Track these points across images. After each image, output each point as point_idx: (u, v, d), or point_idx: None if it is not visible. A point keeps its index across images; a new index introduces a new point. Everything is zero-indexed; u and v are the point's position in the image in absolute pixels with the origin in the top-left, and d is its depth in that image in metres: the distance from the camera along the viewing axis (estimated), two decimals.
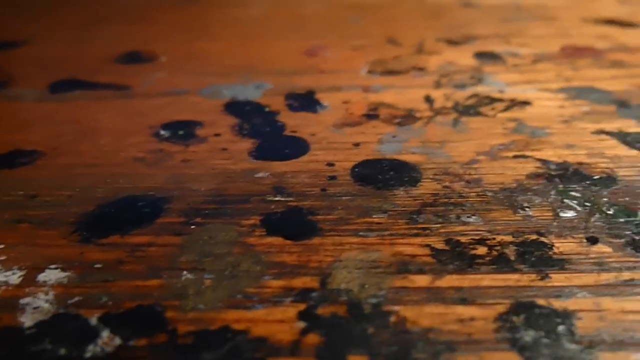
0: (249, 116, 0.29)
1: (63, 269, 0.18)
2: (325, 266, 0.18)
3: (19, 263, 0.19)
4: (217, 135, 0.27)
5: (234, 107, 0.30)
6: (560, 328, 0.16)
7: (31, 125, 0.29)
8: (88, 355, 0.15)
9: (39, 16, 0.49)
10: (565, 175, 0.23)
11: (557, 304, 0.17)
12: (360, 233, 0.20)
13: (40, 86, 0.34)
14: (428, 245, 0.19)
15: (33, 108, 0.31)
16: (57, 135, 0.28)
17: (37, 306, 0.17)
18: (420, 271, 0.18)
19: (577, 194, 0.22)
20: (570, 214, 0.21)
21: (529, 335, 0.16)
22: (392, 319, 0.16)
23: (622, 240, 0.20)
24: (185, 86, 0.33)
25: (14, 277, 0.18)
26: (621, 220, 0.21)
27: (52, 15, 0.49)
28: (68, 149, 0.26)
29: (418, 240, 0.20)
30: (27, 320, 0.16)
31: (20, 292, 0.18)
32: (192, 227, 0.21)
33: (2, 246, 0.20)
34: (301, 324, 0.16)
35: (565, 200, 0.22)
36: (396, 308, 0.17)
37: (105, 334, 0.16)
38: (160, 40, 0.42)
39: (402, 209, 0.21)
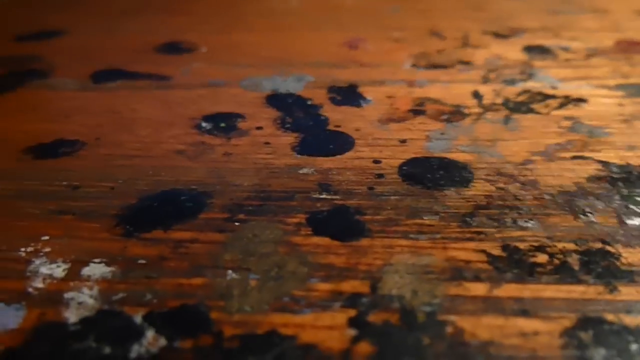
0: (291, 109, 0.28)
1: (107, 264, 0.18)
2: (375, 270, 0.18)
3: (63, 256, 0.19)
4: (258, 128, 0.27)
5: (275, 100, 0.30)
6: (634, 347, 0.15)
7: (73, 115, 0.29)
8: (133, 355, 0.15)
9: (78, 5, 0.49)
10: (629, 179, 0.22)
11: (629, 320, 0.16)
12: (411, 235, 0.19)
13: (81, 76, 0.34)
14: (483, 251, 0.18)
15: (74, 97, 0.31)
16: (98, 125, 0.27)
17: (82, 301, 0.16)
18: (476, 278, 0.17)
19: None
20: (637, 221, 0.20)
21: (599, 354, 0.14)
22: (449, 329, 0.15)
23: None
24: (225, 77, 0.33)
25: (59, 270, 0.18)
26: None
27: (88, 5, 0.49)
28: (109, 139, 0.26)
29: (472, 244, 0.19)
30: (71, 315, 0.16)
31: (65, 286, 0.17)
32: (236, 223, 0.20)
33: (46, 237, 0.19)
34: (352, 332, 0.15)
35: (631, 206, 0.20)
36: (452, 318, 0.16)
37: (150, 333, 0.15)
38: (197, 30, 0.42)
39: (454, 210, 0.20)
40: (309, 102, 0.29)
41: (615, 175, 0.22)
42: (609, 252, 0.18)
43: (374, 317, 0.16)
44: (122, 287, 0.17)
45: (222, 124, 0.27)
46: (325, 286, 0.17)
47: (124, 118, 0.28)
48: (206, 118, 0.28)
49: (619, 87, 0.30)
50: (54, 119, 0.28)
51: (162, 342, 0.15)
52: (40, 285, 0.17)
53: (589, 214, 0.20)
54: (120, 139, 0.26)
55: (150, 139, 0.26)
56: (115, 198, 0.22)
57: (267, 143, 0.25)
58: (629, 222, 0.19)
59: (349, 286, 0.17)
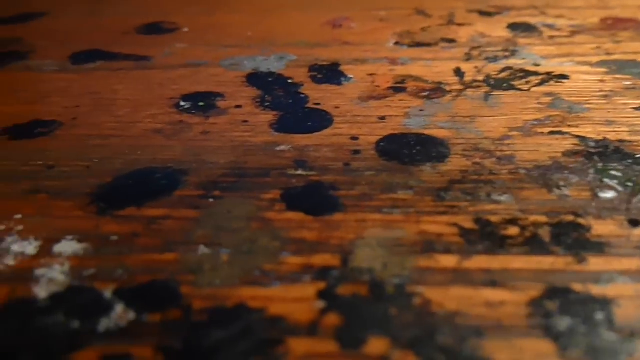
0: (271, 88, 0.28)
1: (79, 241, 0.18)
2: (347, 243, 0.18)
3: (35, 234, 0.18)
4: (238, 107, 0.27)
5: (255, 79, 0.29)
6: (599, 316, 0.15)
7: (51, 96, 0.28)
8: (101, 329, 0.15)
9: None
10: (605, 154, 0.22)
11: (596, 289, 0.16)
12: (384, 210, 0.19)
13: (61, 57, 0.33)
14: (456, 224, 0.18)
15: (53, 79, 0.31)
16: (76, 106, 0.27)
17: (52, 277, 0.16)
18: (447, 251, 0.17)
19: (618, 174, 0.21)
20: (610, 194, 0.20)
21: (564, 323, 0.15)
22: (416, 300, 0.15)
23: None
24: (206, 57, 0.33)
25: (30, 247, 0.18)
26: None
27: None
28: (86, 119, 0.26)
29: (445, 218, 0.19)
30: (41, 291, 0.16)
31: (36, 263, 0.17)
32: (210, 200, 0.20)
33: (19, 216, 0.19)
34: (320, 304, 0.15)
35: (605, 180, 0.20)
36: (420, 289, 0.16)
37: (119, 307, 0.15)
38: (180, 12, 0.41)
39: (429, 185, 0.20)
40: (290, 81, 0.29)
41: (591, 150, 0.22)
42: (580, 224, 0.18)
43: (343, 290, 0.16)
44: (93, 263, 0.17)
45: (201, 103, 0.27)
46: (296, 260, 0.17)
47: (102, 99, 0.28)
48: (185, 97, 0.27)
49: (601, 63, 0.30)
50: (32, 101, 0.28)
51: (131, 315, 0.15)
52: (11, 262, 0.17)
53: (562, 188, 0.20)
54: (98, 120, 0.26)
55: (127, 118, 0.26)
56: (90, 177, 0.22)
57: (245, 121, 0.25)
58: (602, 195, 0.20)
59: (320, 259, 0.17)
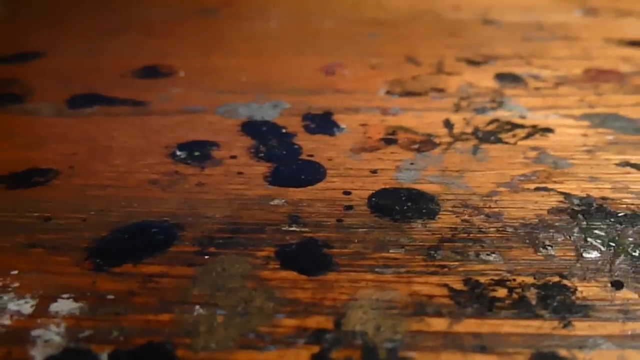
0: (266, 138, 0.29)
1: (75, 299, 0.18)
2: (340, 305, 0.18)
3: (31, 291, 0.19)
4: (232, 157, 0.27)
5: (250, 128, 0.30)
6: None
7: (47, 142, 0.29)
8: None
9: (55, 27, 0.49)
10: (589, 211, 0.23)
11: (581, 356, 0.16)
12: (377, 269, 0.20)
13: (57, 100, 0.34)
14: (446, 285, 0.19)
15: (50, 124, 0.31)
16: (73, 154, 0.28)
17: (48, 339, 0.17)
18: (438, 314, 0.18)
19: (601, 233, 0.21)
20: (594, 254, 0.20)
21: None
22: None
23: None
24: (202, 103, 0.33)
25: (27, 306, 0.18)
26: None
27: (68, 26, 0.49)
28: (83, 168, 0.26)
29: (435, 279, 0.19)
30: (37, 354, 0.16)
31: (32, 323, 0.17)
32: (206, 257, 0.20)
33: (15, 272, 0.20)
34: None
35: (589, 239, 0.21)
36: (412, 354, 0.16)
37: None
38: (176, 54, 0.42)
39: (420, 244, 0.21)
40: (284, 130, 0.30)
41: (575, 208, 0.23)
42: (565, 286, 0.19)
43: (336, 354, 0.16)
44: (89, 324, 0.17)
45: (197, 153, 0.27)
46: (290, 322, 0.17)
47: (99, 146, 0.28)
48: (181, 146, 0.28)
49: (584, 116, 0.32)
50: (28, 147, 0.29)
51: None
52: (7, 322, 0.17)
53: (548, 247, 0.21)
54: (95, 168, 0.26)
55: (124, 168, 0.26)
56: (87, 230, 0.22)
57: (240, 173, 0.26)
58: (586, 255, 0.20)
59: (314, 322, 0.17)
